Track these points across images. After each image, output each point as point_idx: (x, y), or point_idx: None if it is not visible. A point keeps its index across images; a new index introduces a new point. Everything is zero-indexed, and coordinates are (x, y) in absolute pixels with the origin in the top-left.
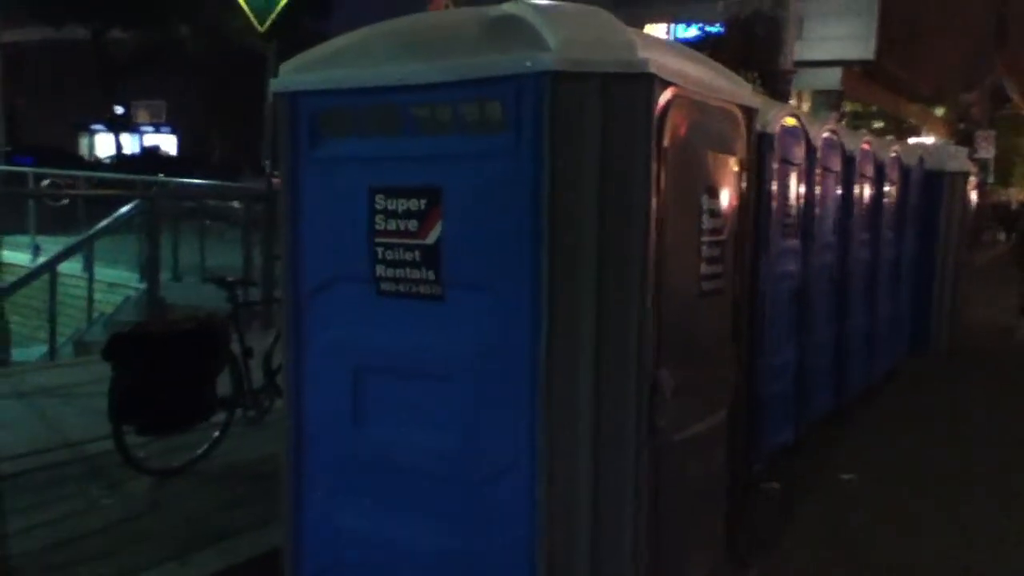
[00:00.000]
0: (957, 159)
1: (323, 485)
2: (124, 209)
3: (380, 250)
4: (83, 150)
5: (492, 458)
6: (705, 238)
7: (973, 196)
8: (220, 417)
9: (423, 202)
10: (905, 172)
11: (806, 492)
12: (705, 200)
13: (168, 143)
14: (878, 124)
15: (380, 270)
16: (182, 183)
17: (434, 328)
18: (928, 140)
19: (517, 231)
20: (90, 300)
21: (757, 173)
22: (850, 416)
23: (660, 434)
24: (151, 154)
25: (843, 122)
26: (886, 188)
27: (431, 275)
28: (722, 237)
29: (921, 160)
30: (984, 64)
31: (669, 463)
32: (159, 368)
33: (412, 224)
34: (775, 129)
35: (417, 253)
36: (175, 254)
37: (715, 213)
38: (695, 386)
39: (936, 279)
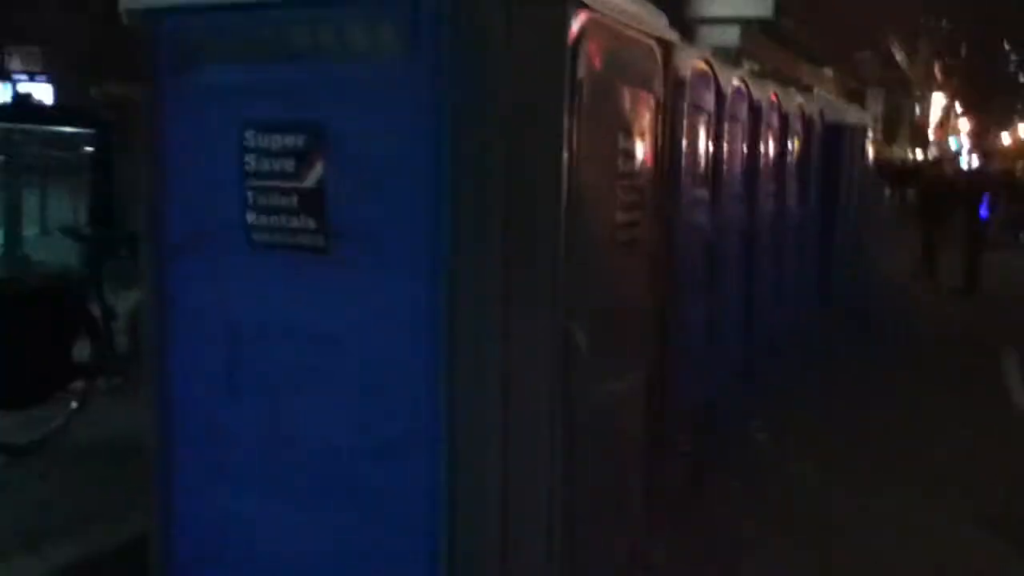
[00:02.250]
0: (855, 113)
1: (196, 464)
2: None
3: (252, 195)
4: None
5: (386, 430)
6: (622, 182)
7: (871, 151)
8: (79, 386)
9: (301, 139)
10: (808, 124)
11: (719, 451)
12: (622, 140)
13: (44, 92)
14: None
15: (252, 218)
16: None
17: (317, 285)
18: (827, 98)
19: (412, 173)
20: None
21: (671, 117)
22: (760, 371)
23: (578, 394)
24: (21, 103)
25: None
26: (791, 140)
27: (311, 224)
28: (638, 182)
29: (822, 113)
30: (876, 26)
31: (586, 426)
32: (2, 334)
33: (289, 164)
34: (687, 73)
35: (295, 198)
36: (43, 208)
37: (631, 155)
38: (610, 343)
39: (837, 233)
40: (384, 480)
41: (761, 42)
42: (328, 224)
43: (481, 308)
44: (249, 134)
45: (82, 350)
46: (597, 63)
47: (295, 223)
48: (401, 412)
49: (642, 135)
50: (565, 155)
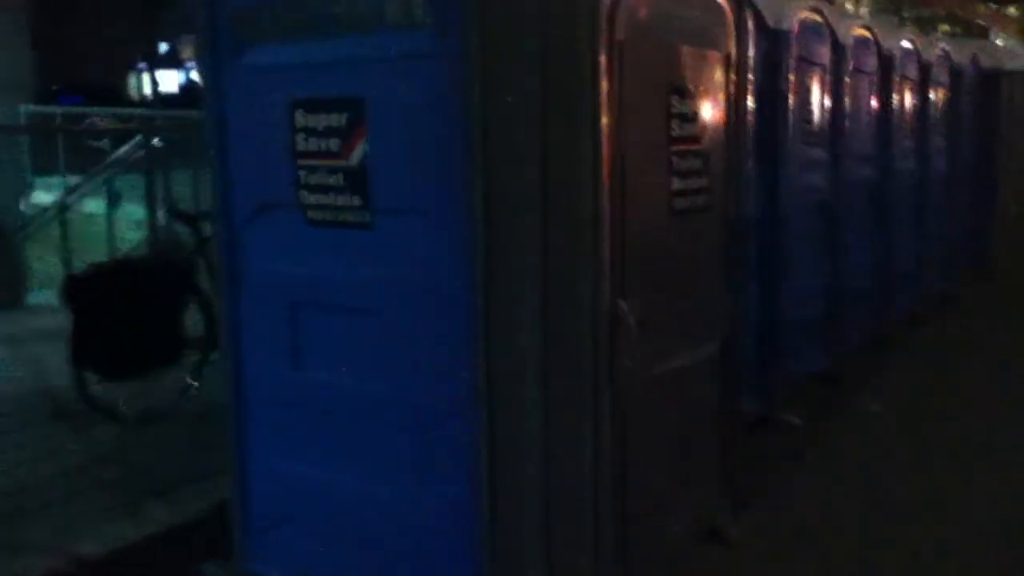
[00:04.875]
0: (1019, 57)
1: (266, 430)
2: (126, 146)
3: (303, 174)
4: (131, 89)
5: (429, 401)
6: (676, 147)
7: None
8: (192, 360)
9: (344, 116)
10: (956, 73)
11: (830, 426)
12: (676, 103)
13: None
14: (944, 28)
15: (305, 196)
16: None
17: (364, 259)
18: (1000, 42)
19: (447, 146)
20: (111, 239)
21: (771, 75)
22: (893, 344)
23: (626, 372)
24: (189, 91)
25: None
26: (934, 91)
27: (357, 200)
28: (699, 147)
29: (975, 59)
30: None
31: (642, 402)
32: (116, 309)
33: (334, 143)
34: (791, 26)
35: (341, 176)
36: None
37: (688, 118)
38: (672, 317)
39: (997, 192)
40: (429, 449)
41: None
42: (372, 200)
43: (519, 283)
44: (298, 113)
45: (196, 325)
46: (642, 22)
47: (342, 201)
48: (442, 384)
49: (707, 97)
50: (604, 121)
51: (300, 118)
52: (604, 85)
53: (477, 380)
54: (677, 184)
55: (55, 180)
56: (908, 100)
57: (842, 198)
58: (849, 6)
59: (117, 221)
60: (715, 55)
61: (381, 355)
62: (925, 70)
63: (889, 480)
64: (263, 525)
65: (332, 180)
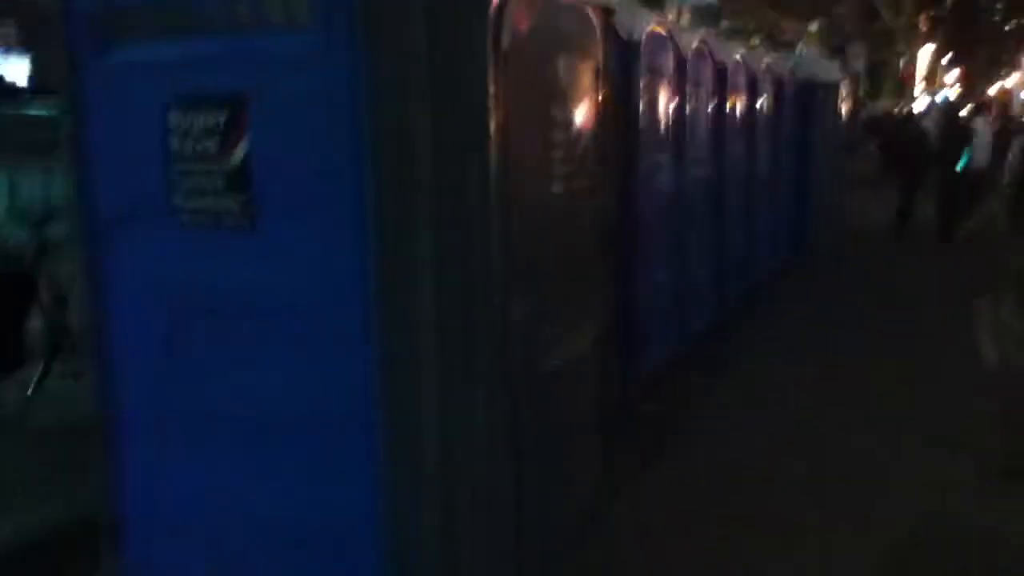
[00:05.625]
0: (827, 69)
1: (140, 436)
2: None
3: (178, 173)
4: None
5: (321, 405)
6: (558, 152)
7: (844, 107)
8: (33, 370)
9: (224, 116)
10: (778, 83)
11: (684, 413)
12: (557, 110)
13: (19, 71)
14: (755, 41)
15: (180, 199)
16: None
17: (247, 262)
18: (804, 54)
19: (335, 148)
20: None
21: (625, 84)
22: (732, 328)
23: (517, 366)
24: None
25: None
26: (760, 99)
27: (237, 202)
28: (577, 151)
29: (792, 71)
30: None
31: (533, 396)
32: None
33: (213, 143)
34: (641, 37)
35: (220, 176)
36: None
37: (568, 124)
38: (555, 312)
39: (814, 188)
40: (326, 454)
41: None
42: (254, 200)
43: (411, 284)
44: (172, 113)
45: (36, 334)
46: (524, 31)
47: (222, 202)
48: (333, 384)
49: (581, 103)
50: (492, 125)
51: (176, 117)
52: (492, 90)
53: (369, 378)
54: (558, 186)
55: None
56: (739, 107)
57: (685, 197)
58: (671, 16)
59: None
60: (588, 64)
61: (265, 357)
62: (753, 80)
63: (736, 455)
64: (140, 535)
65: (210, 180)
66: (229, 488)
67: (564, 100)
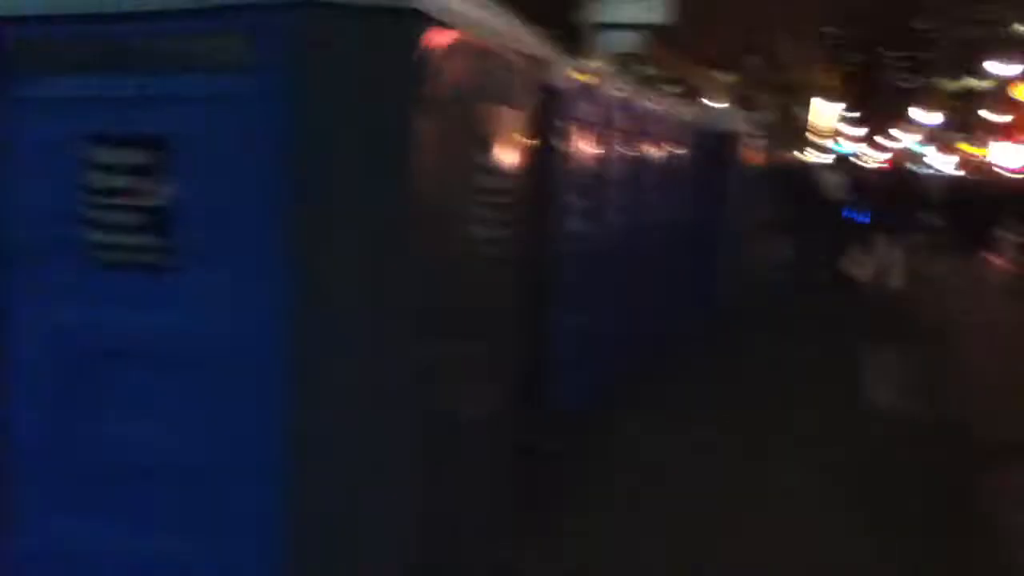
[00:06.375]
0: (733, 120)
1: (38, 490)
2: None
3: (96, 212)
4: None
5: (221, 454)
6: (481, 198)
7: (750, 156)
8: None
9: (145, 155)
10: (691, 132)
11: (588, 455)
12: (481, 157)
13: None
14: (671, 88)
15: (97, 236)
16: None
17: (162, 305)
18: (715, 105)
19: (259, 193)
20: None
21: (546, 130)
22: (642, 377)
23: (432, 418)
24: None
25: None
26: (671, 148)
27: (155, 242)
28: (503, 199)
29: (702, 121)
30: (766, 32)
31: (446, 445)
32: None
33: (133, 181)
34: (563, 85)
35: (139, 216)
36: None
37: (493, 172)
38: (472, 361)
39: (718, 237)
40: (223, 504)
41: (660, 48)
42: (172, 243)
43: (328, 335)
44: (90, 150)
45: None
46: (454, 79)
47: (139, 241)
48: (244, 434)
49: (507, 151)
50: (417, 172)
51: (92, 154)
52: (416, 139)
53: (278, 431)
54: (482, 233)
55: None
56: (657, 156)
57: (602, 244)
58: (594, 64)
59: None
60: (515, 112)
61: (176, 408)
62: (671, 130)
63: (642, 494)
64: None
65: (129, 219)
66: (127, 548)
67: (490, 148)
